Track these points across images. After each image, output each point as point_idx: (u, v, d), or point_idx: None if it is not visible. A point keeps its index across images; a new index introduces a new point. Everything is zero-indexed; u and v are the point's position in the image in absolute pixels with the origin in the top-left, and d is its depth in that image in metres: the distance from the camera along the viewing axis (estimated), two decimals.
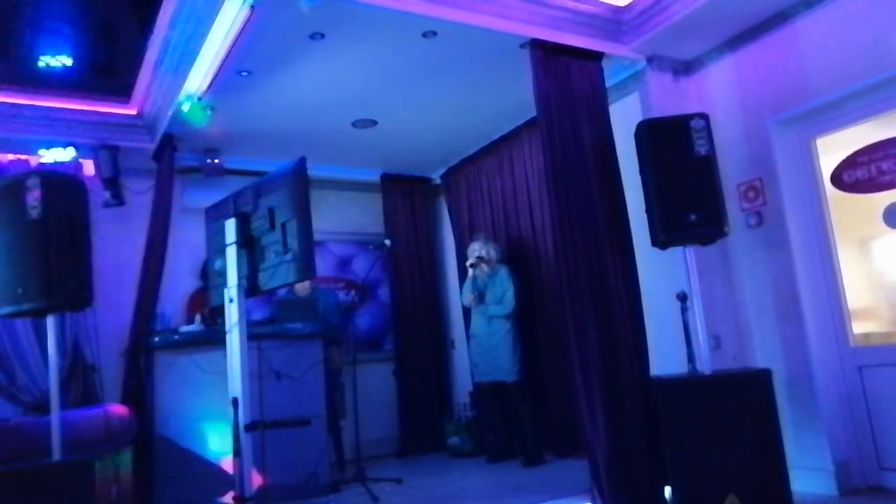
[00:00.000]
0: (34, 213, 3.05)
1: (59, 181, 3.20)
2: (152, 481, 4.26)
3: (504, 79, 4.50)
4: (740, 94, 4.12)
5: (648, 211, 3.47)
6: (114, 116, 4.98)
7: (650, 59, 4.27)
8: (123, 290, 4.77)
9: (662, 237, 3.42)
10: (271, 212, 3.24)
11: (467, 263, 5.41)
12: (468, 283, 5.44)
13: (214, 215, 3.66)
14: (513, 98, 4.80)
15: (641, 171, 3.50)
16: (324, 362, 4.71)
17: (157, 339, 4.47)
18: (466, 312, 5.89)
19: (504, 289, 5.23)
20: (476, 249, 5.36)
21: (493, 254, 5.35)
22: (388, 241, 5.30)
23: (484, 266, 5.32)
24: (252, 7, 3.43)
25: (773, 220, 3.93)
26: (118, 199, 5.00)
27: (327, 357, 4.89)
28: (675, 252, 3.57)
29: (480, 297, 5.35)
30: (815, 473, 3.62)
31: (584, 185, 3.80)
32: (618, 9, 4.06)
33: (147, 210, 4.92)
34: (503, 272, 5.29)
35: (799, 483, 3.38)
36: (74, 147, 4.74)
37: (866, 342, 3.73)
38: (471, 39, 3.95)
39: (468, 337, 5.57)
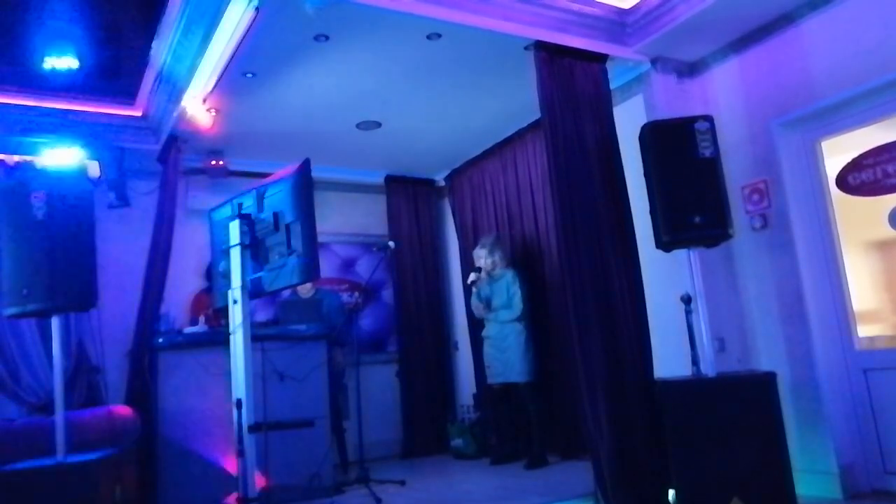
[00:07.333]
0: (39, 215, 3.08)
1: (65, 183, 3.22)
2: (156, 482, 4.26)
3: (508, 81, 4.50)
4: (745, 95, 4.11)
5: (652, 213, 3.46)
6: (119, 118, 5.01)
7: (654, 61, 4.26)
8: (128, 291, 4.78)
9: (666, 239, 3.41)
10: (275, 213, 3.25)
11: (468, 281, 5.41)
12: (473, 296, 5.44)
13: (218, 217, 3.67)
14: (517, 100, 4.80)
15: (646, 174, 3.49)
16: (327, 364, 4.71)
17: (161, 339, 4.46)
18: (473, 318, 5.88)
19: (511, 293, 5.22)
20: (481, 257, 5.35)
21: (497, 259, 5.33)
22: (391, 243, 5.30)
23: (483, 276, 5.31)
24: (256, 9, 3.43)
25: (778, 223, 3.92)
26: (123, 200, 5.02)
27: (331, 358, 4.88)
28: (680, 254, 3.57)
29: (488, 304, 5.35)
30: (819, 477, 3.60)
31: (588, 187, 3.79)
32: (622, 11, 4.06)
33: (152, 211, 4.94)
34: (508, 276, 5.27)
35: (803, 486, 3.37)
36: (79, 148, 4.76)
37: (871, 345, 3.71)
38: (475, 41, 3.95)
39: (482, 339, 5.51)
